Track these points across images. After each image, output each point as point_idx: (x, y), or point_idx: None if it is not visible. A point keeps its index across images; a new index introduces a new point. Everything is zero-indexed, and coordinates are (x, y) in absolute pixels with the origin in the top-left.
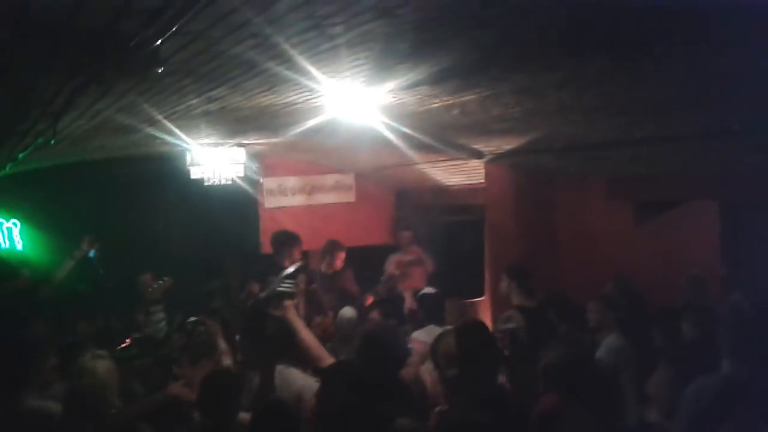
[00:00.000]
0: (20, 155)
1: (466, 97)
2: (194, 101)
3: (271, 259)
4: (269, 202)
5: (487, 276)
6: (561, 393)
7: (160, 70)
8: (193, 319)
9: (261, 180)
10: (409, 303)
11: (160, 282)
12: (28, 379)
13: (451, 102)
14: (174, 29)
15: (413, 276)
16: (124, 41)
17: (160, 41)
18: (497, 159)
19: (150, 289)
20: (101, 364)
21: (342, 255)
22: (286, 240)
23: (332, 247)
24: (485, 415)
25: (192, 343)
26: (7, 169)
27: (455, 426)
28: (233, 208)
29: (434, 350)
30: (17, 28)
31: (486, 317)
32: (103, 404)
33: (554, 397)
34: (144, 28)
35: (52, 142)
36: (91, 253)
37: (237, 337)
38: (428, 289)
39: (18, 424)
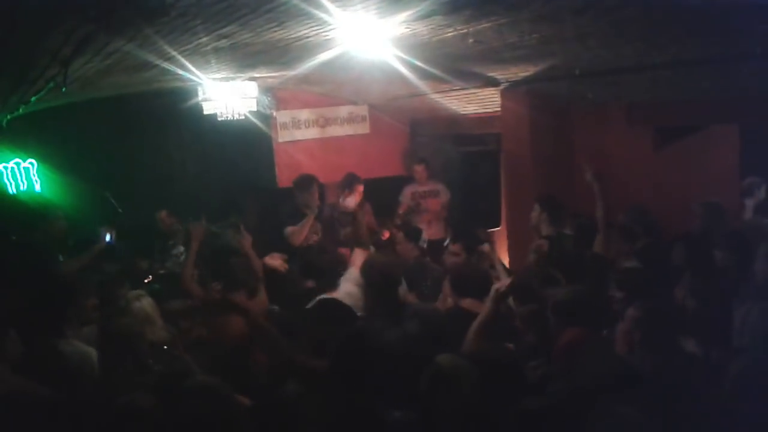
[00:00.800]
0: (32, 99)
1: (481, 26)
2: (204, 39)
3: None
4: (282, 136)
5: (503, 206)
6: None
7: (166, 18)
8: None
9: (274, 114)
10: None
11: (179, 228)
12: (69, 318)
13: (465, 31)
14: None
15: (429, 208)
16: None
17: None
18: (513, 87)
19: (175, 235)
20: (146, 302)
21: (360, 188)
22: (304, 184)
23: (350, 180)
24: None
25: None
26: (20, 110)
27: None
28: (247, 142)
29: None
30: None
31: (503, 247)
32: (142, 340)
33: (576, 330)
34: None
35: (63, 89)
36: (108, 239)
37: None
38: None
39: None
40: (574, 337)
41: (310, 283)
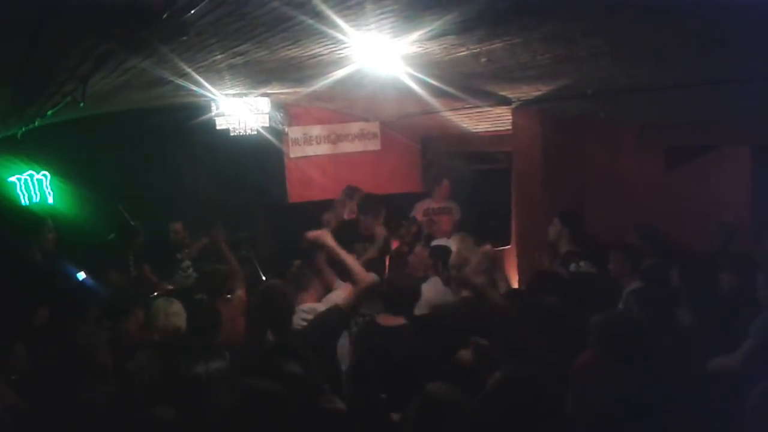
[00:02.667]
0: (49, 112)
1: (494, 45)
2: (219, 56)
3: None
4: (294, 152)
5: (514, 224)
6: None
7: (185, 38)
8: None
9: (286, 129)
10: None
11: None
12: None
13: (478, 50)
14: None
15: (441, 224)
16: (154, 14)
17: (192, 12)
18: (525, 106)
19: (186, 251)
20: (176, 307)
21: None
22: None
23: (351, 192)
24: None
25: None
26: (36, 123)
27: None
28: (259, 158)
29: None
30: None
31: (512, 265)
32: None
33: (591, 351)
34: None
35: (81, 105)
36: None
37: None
38: (441, 241)
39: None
40: (591, 357)
41: None
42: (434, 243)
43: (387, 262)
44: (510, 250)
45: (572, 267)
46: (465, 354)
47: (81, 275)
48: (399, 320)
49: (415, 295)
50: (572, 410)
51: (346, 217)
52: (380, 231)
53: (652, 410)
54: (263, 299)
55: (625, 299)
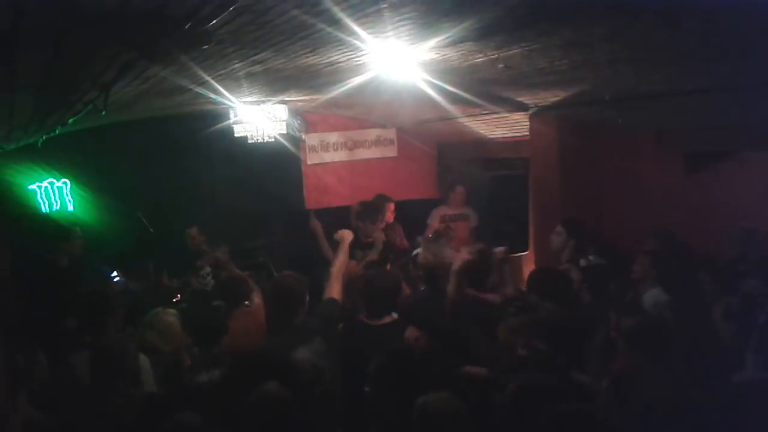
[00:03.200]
0: (70, 120)
1: (512, 51)
2: (238, 65)
3: None
4: (311, 159)
5: (531, 230)
6: (636, 353)
7: (206, 47)
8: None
9: (303, 136)
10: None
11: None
12: (107, 324)
13: (495, 56)
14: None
15: (457, 231)
16: (177, 23)
17: (214, 22)
18: (542, 111)
19: (205, 257)
20: (172, 320)
21: (391, 207)
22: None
23: (381, 201)
24: None
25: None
26: (57, 131)
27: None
28: (276, 165)
29: None
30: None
31: (529, 271)
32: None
33: (628, 357)
34: (196, 10)
35: (104, 113)
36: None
37: None
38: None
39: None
40: (632, 362)
41: None
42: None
43: (388, 267)
44: (528, 256)
45: (582, 262)
46: (412, 332)
47: (114, 274)
48: (385, 319)
49: (396, 294)
50: (616, 417)
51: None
52: (379, 236)
53: (695, 411)
54: (276, 289)
55: (647, 304)
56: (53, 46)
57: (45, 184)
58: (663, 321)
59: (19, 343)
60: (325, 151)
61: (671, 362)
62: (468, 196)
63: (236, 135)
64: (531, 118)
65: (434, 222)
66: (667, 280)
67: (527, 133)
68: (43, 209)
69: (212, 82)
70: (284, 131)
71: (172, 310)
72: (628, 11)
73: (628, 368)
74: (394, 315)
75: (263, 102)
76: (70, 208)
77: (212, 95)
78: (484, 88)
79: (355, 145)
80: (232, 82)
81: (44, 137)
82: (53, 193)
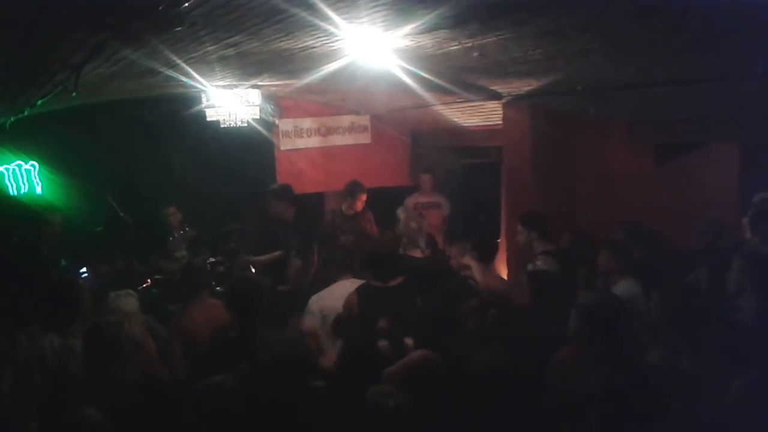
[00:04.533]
0: (39, 102)
1: (486, 40)
2: (211, 48)
3: None
4: (285, 144)
5: (503, 218)
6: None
7: (179, 29)
8: (212, 259)
9: (276, 122)
10: None
11: (182, 232)
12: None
13: (470, 44)
14: None
15: (430, 220)
16: (149, 4)
17: (186, 5)
18: (516, 101)
19: (172, 239)
20: (127, 302)
21: (363, 197)
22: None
23: (354, 188)
24: None
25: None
26: (25, 112)
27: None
28: (249, 150)
29: None
30: None
31: (501, 260)
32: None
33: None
34: None
35: (74, 95)
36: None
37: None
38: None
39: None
40: (570, 351)
41: None
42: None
43: None
44: (500, 243)
45: (529, 266)
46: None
47: (83, 271)
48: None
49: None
50: (552, 403)
51: (344, 211)
52: (371, 228)
53: (631, 401)
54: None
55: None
56: (25, 27)
57: (13, 166)
58: (615, 301)
59: None
60: (299, 137)
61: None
62: (441, 184)
63: (208, 119)
64: (504, 106)
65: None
66: (635, 271)
67: (501, 122)
68: (11, 192)
69: (184, 65)
70: (257, 116)
71: (130, 292)
72: (601, 2)
73: (569, 356)
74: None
75: (236, 86)
76: (39, 190)
77: (184, 78)
78: (459, 76)
79: (329, 131)
80: (205, 65)
81: (12, 119)
82: (21, 176)
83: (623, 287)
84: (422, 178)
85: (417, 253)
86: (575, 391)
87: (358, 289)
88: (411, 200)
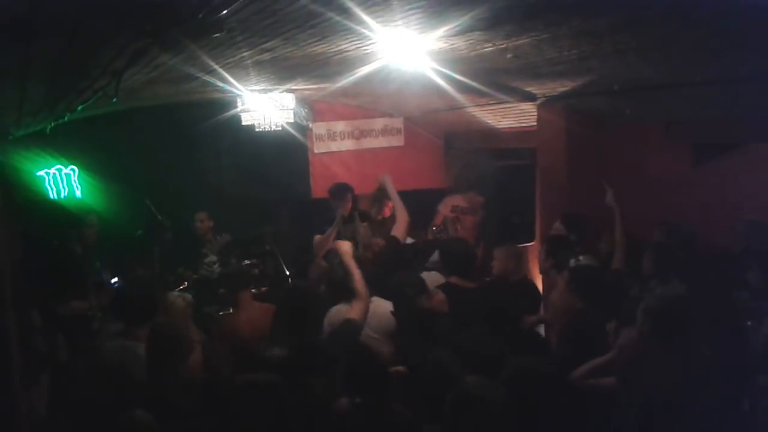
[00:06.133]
0: (79, 107)
1: (521, 41)
2: (246, 53)
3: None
4: (318, 147)
5: (538, 221)
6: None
7: (217, 36)
8: (246, 262)
9: (310, 125)
10: None
11: (218, 237)
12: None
13: (504, 46)
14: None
15: (465, 223)
16: (190, 11)
17: (225, 12)
18: (550, 102)
19: (208, 244)
20: (181, 303)
21: (391, 203)
22: (338, 192)
23: (382, 194)
24: None
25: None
26: (66, 118)
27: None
28: (283, 153)
29: None
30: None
31: (536, 263)
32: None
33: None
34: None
35: (114, 100)
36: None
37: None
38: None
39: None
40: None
41: None
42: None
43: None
44: (534, 246)
45: (572, 262)
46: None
47: (115, 280)
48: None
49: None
50: (623, 398)
51: (373, 216)
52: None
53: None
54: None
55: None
56: (68, 34)
57: (53, 170)
58: (683, 306)
59: (35, 326)
60: (332, 140)
61: (686, 349)
62: (475, 186)
63: (243, 123)
64: (539, 108)
65: (444, 209)
66: (674, 273)
67: (535, 123)
68: (51, 196)
69: (220, 70)
70: (291, 120)
71: (183, 293)
72: (637, 1)
73: (637, 352)
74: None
75: (271, 90)
76: (78, 194)
77: (220, 83)
78: (492, 78)
79: (362, 134)
80: (240, 70)
81: (53, 124)
82: (61, 180)
83: (669, 289)
84: (474, 198)
85: None
86: (657, 389)
87: (445, 289)
88: (450, 201)
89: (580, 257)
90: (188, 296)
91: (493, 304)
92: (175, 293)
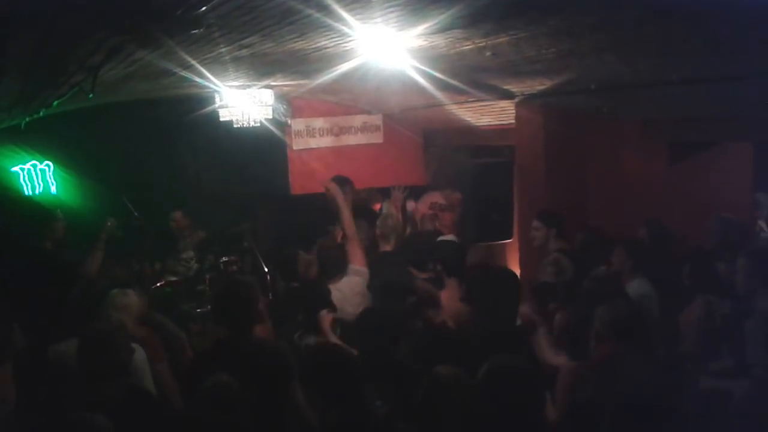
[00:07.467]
0: (55, 103)
1: (499, 39)
2: (224, 49)
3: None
4: (297, 144)
5: (516, 218)
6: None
7: (197, 31)
8: (225, 259)
9: (289, 121)
10: None
11: (192, 234)
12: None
13: (483, 44)
14: None
15: (443, 220)
16: (169, 8)
17: (204, 8)
18: (528, 100)
19: (182, 241)
20: (125, 299)
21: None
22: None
23: (369, 195)
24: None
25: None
26: (41, 113)
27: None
28: (261, 149)
29: None
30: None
31: (514, 260)
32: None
33: (608, 346)
34: None
35: (91, 96)
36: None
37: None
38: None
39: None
40: (609, 351)
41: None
42: (440, 239)
43: None
44: (512, 243)
45: (546, 261)
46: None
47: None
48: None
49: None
50: (600, 403)
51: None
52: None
53: (674, 397)
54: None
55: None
56: (44, 29)
57: (28, 166)
58: (640, 310)
59: None
60: (311, 137)
61: (650, 351)
62: (453, 183)
63: (221, 119)
64: (517, 106)
65: (423, 206)
66: (650, 270)
67: (513, 121)
68: (26, 192)
69: (198, 66)
70: (270, 116)
71: (128, 290)
72: (614, 1)
73: (609, 356)
74: None
75: (249, 86)
76: (53, 190)
77: (198, 79)
78: (471, 76)
79: (341, 131)
80: (218, 66)
81: (28, 119)
82: (36, 176)
83: (634, 286)
84: (454, 196)
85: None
86: (630, 389)
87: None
88: (429, 198)
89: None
90: (132, 293)
91: None
92: (118, 290)
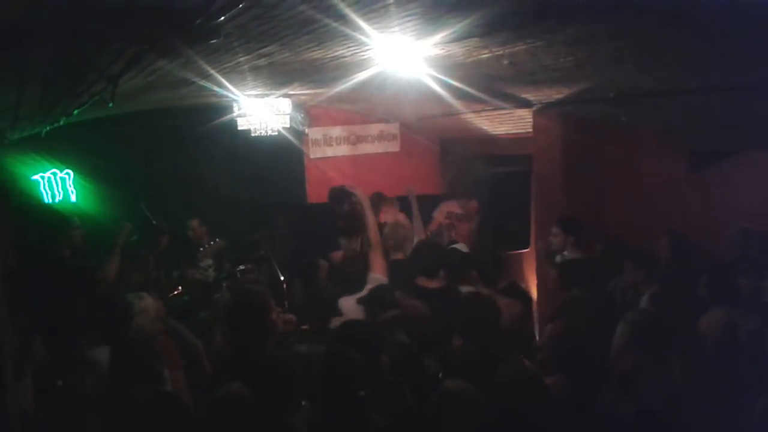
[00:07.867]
0: (75, 112)
1: (517, 48)
2: (243, 58)
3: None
4: (314, 153)
5: (533, 227)
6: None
7: (215, 41)
8: (241, 267)
9: (306, 130)
10: None
11: (213, 242)
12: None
13: (500, 52)
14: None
15: (460, 230)
16: (188, 17)
17: (223, 18)
18: (546, 108)
19: (202, 249)
20: (142, 303)
21: (388, 209)
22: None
23: (378, 199)
24: None
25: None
26: (61, 122)
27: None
28: (279, 158)
29: None
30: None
31: (531, 268)
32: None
33: (630, 356)
34: (207, 5)
35: (110, 105)
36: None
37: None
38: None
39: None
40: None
41: None
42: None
43: None
44: (529, 253)
45: (558, 258)
46: None
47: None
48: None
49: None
50: (620, 413)
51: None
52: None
53: (698, 408)
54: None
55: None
56: (65, 39)
57: (48, 174)
58: (665, 319)
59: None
60: (328, 146)
61: (672, 361)
62: (470, 192)
63: (239, 128)
64: (535, 114)
65: (439, 215)
66: (664, 281)
67: (530, 130)
68: (46, 200)
69: (217, 75)
70: (287, 125)
71: (142, 293)
72: (633, 9)
73: (633, 365)
74: None
75: (267, 95)
76: (73, 198)
77: (217, 88)
78: (488, 84)
79: (358, 139)
80: (237, 75)
81: (48, 128)
82: (56, 184)
83: (647, 298)
84: (470, 204)
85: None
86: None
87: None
88: (446, 207)
89: (565, 252)
90: (147, 296)
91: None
92: (135, 294)
